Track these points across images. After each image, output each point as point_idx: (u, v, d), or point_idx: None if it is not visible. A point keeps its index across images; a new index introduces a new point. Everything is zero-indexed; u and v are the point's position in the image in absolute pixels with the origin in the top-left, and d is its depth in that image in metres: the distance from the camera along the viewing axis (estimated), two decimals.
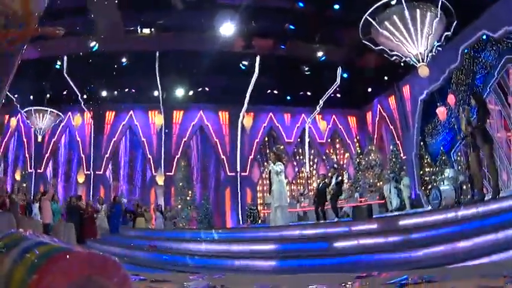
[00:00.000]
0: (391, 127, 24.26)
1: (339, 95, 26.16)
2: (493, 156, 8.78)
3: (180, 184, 23.96)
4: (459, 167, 18.26)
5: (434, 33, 14.77)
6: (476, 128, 8.43)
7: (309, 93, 26.65)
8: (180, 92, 25.46)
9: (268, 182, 13.41)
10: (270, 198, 13.09)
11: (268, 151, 25.73)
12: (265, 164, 24.73)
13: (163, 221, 19.88)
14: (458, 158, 19.83)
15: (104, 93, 25.15)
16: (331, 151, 28.02)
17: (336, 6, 20.71)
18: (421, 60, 14.94)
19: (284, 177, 12.14)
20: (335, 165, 16.29)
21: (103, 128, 25.18)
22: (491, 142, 8.53)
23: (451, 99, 19.16)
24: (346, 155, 27.87)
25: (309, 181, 26.42)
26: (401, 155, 22.70)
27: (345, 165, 27.76)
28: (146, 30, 23.04)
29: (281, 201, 11.59)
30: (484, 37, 17.50)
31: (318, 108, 25.83)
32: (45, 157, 24.68)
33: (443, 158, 21.00)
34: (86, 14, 19.89)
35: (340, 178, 14.18)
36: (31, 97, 22.99)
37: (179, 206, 23.17)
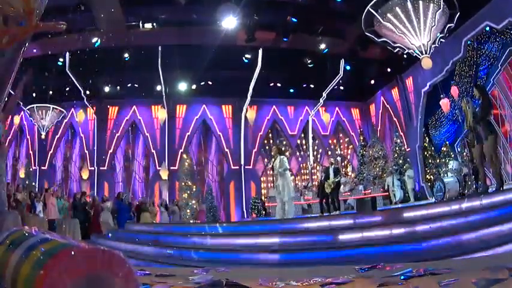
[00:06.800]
0: (395, 119, 24.21)
1: (342, 88, 26.08)
2: (496, 148, 8.76)
3: (184, 178, 23.97)
4: (463, 159, 18.26)
5: (437, 24, 14.70)
6: (481, 121, 8.41)
7: (312, 86, 26.57)
8: (183, 86, 25.38)
9: (272, 176, 13.42)
10: (274, 191, 13.16)
11: (271, 142, 25.78)
12: (270, 158, 24.75)
13: (168, 215, 19.90)
14: (462, 150, 19.82)
15: (107, 89, 25.10)
16: (335, 143, 28.01)
17: None
18: (424, 52, 14.88)
19: (288, 170, 12.22)
20: (331, 159, 16.24)
21: (106, 124, 25.21)
22: (495, 134, 8.51)
23: (454, 91, 19.12)
24: (350, 147, 27.85)
25: (312, 173, 26.40)
26: (405, 147, 22.66)
27: (348, 157, 27.78)
28: (148, 25, 22.99)
29: (290, 195, 11.80)
30: (488, 29, 17.42)
31: (321, 101, 25.81)
32: (49, 154, 24.76)
33: (447, 150, 20.99)
34: (88, 9, 19.85)
35: (338, 171, 14.11)
36: (34, 94, 23.02)
37: (183, 200, 23.19)
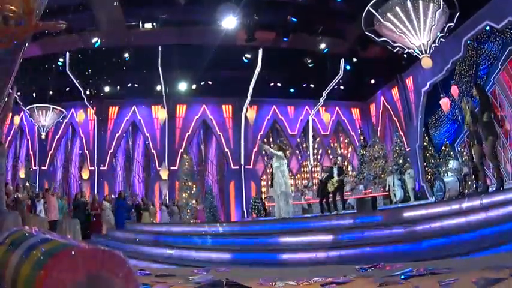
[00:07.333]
0: (395, 119, 24.18)
1: (342, 87, 26.08)
2: (495, 148, 8.74)
3: (184, 178, 23.98)
4: (463, 159, 18.24)
5: (437, 24, 14.69)
6: (483, 122, 8.37)
7: (312, 86, 26.58)
8: (183, 86, 25.40)
9: (270, 176, 13.36)
10: (273, 191, 13.12)
11: (272, 142, 25.73)
12: (271, 156, 24.74)
13: (168, 215, 19.91)
14: (462, 150, 19.81)
15: (107, 89, 25.12)
16: (335, 142, 27.96)
17: None
18: (424, 52, 14.87)
19: (286, 166, 12.11)
20: (334, 158, 16.28)
21: (106, 124, 25.19)
22: (495, 135, 8.49)
23: (454, 90, 19.11)
24: (350, 147, 27.82)
25: (313, 173, 26.36)
26: (405, 146, 22.63)
27: (349, 156, 27.75)
28: (148, 25, 22.99)
29: (281, 189, 11.59)
30: (488, 28, 17.40)
31: (321, 101, 25.78)
32: (49, 154, 24.75)
33: (447, 149, 20.98)
34: (88, 9, 19.85)
35: (341, 170, 14.07)
36: (34, 94, 23.01)
37: (184, 200, 23.19)
